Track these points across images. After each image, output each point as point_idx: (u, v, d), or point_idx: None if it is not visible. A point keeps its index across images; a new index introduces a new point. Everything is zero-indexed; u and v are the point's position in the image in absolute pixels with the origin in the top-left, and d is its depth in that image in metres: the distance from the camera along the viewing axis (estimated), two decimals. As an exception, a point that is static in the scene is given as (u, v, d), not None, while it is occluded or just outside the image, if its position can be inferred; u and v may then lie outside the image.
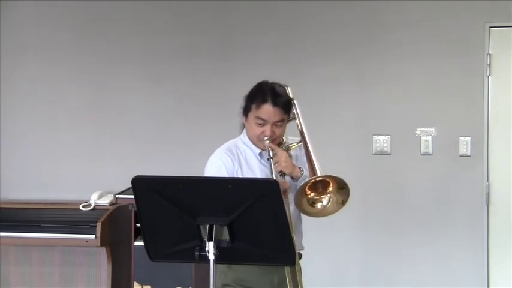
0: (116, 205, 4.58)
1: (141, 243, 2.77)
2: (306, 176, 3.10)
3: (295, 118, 3.22)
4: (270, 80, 3.19)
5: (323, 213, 3.08)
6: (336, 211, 3.06)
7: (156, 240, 2.69)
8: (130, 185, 2.60)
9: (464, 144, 5.03)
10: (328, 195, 3.05)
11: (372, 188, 5.14)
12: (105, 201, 4.62)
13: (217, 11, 5.30)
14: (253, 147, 3.17)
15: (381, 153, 5.14)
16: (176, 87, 5.35)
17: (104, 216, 4.39)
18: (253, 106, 3.11)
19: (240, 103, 3.21)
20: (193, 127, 5.32)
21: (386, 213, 5.13)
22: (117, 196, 4.68)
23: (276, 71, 5.22)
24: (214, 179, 2.93)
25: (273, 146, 3.11)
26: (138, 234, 4.47)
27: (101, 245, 4.30)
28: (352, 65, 5.17)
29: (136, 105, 5.39)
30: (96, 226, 4.30)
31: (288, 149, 3.17)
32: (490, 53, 4.99)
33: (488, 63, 4.98)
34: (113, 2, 5.39)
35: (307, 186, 3.01)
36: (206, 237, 2.57)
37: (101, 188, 4.75)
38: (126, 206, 4.57)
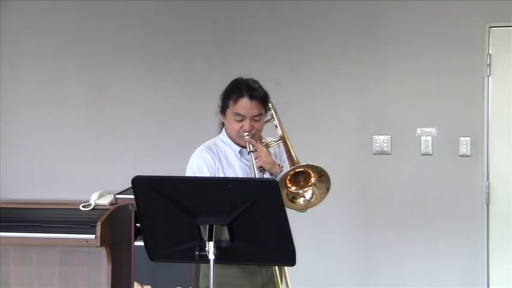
0: (116, 205, 4.59)
1: (141, 243, 2.77)
2: None
3: (270, 120, 3.22)
4: (245, 77, 3.20)
5: (308, 206, 3.08)
6: (321, 201, 3.07)
7: (156, 240, 2.69)
8: (130, 185, 2.60)
9: (464, 144, 5.02)
10: (311, 188, 3.05)
11: (371, 188, 5.14)
12: (105, 201, 4.62)
13: (217, 11, 5.30)
14: (233, 145, 3.17)
15: (381, 153, 5.14)
16: (176, 86, 5.35)
17: (104, 216, 4.39)
18: (231, 102, 3.13)
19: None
20: (193, 127, 5.30)
21: (386, 213, 5.13)
22: (117, 196, 4.68)
23: (276, 71, 5.27)
24: (215, 179, 2.93)
25: (253, 141, 3.10)
26: (138, 234, 4.48)
27: (101, 245, 4.31)
28: (352, 65, 5.17)
29: (137, 106, 5.38)
30: (96, 226, 4.30)
31: (267, 146, 3.16)
32: (490, 53, 4.98)
33: (488, 63, 4.98)
34: (112, 2, 5.39)
35: (287, 179, 3.02)
36: (206, 237, 2.57)
37: (101, 188, 4.76)
38: (126, 206, 4.58)
